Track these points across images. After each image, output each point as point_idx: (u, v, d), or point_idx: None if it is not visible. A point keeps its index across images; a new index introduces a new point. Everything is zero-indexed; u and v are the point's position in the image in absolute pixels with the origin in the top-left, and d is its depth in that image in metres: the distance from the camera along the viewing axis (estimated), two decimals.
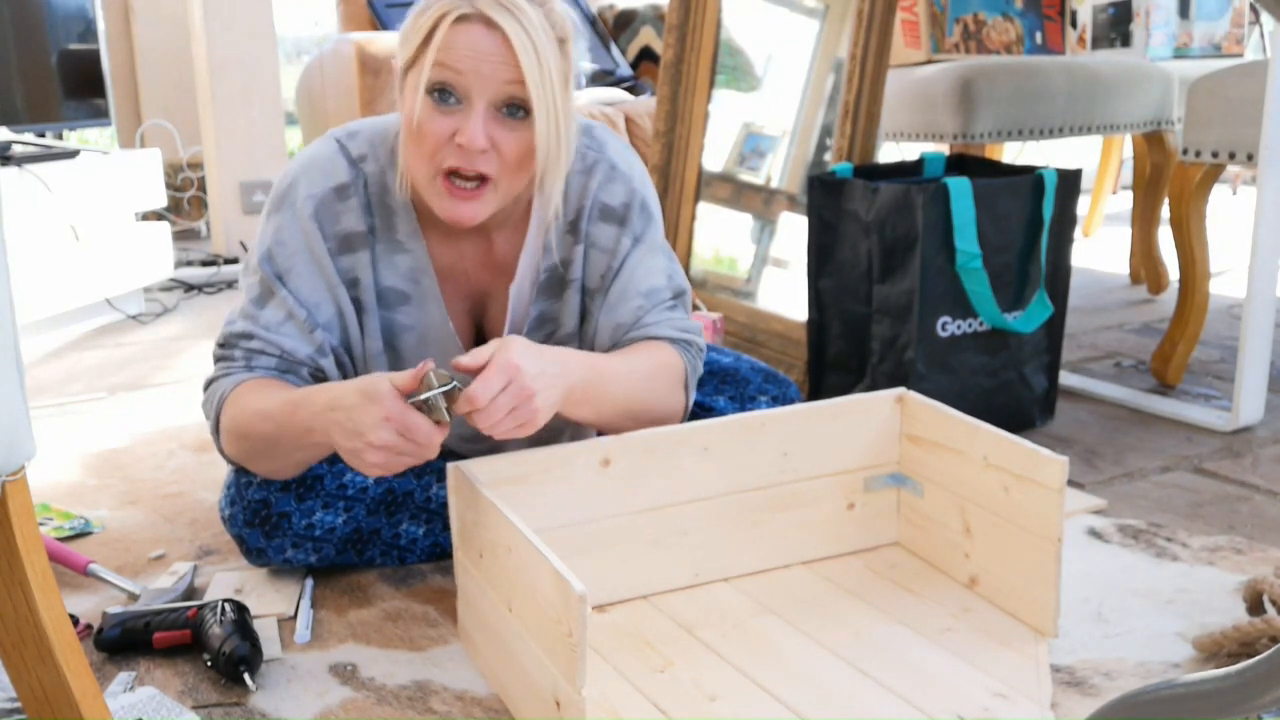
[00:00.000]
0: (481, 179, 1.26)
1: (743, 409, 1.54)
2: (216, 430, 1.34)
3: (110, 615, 1.28)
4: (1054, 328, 1.95)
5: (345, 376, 1.37)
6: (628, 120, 3.45)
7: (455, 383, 1.15)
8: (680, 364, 1.38)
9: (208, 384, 1.36)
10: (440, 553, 1.47)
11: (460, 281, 1.41)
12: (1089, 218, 3.64)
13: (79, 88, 3.08)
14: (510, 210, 1.36)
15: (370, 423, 1.14)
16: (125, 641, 1.26)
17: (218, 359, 1.36)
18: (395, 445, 1.14)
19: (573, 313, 1.42)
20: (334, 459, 1.38)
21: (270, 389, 1.30)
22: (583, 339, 1.44)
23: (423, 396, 1.15)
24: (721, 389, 1.57)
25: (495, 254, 1.40)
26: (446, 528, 1.44)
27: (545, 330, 1.43)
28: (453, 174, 1.25)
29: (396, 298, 1.38)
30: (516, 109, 1.23)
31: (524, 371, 1.16)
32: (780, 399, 1.57)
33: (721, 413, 1.54)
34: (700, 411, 1.55)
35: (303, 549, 1.41)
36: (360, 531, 1.42)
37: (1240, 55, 2.76)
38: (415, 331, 1.39)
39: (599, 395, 1.28)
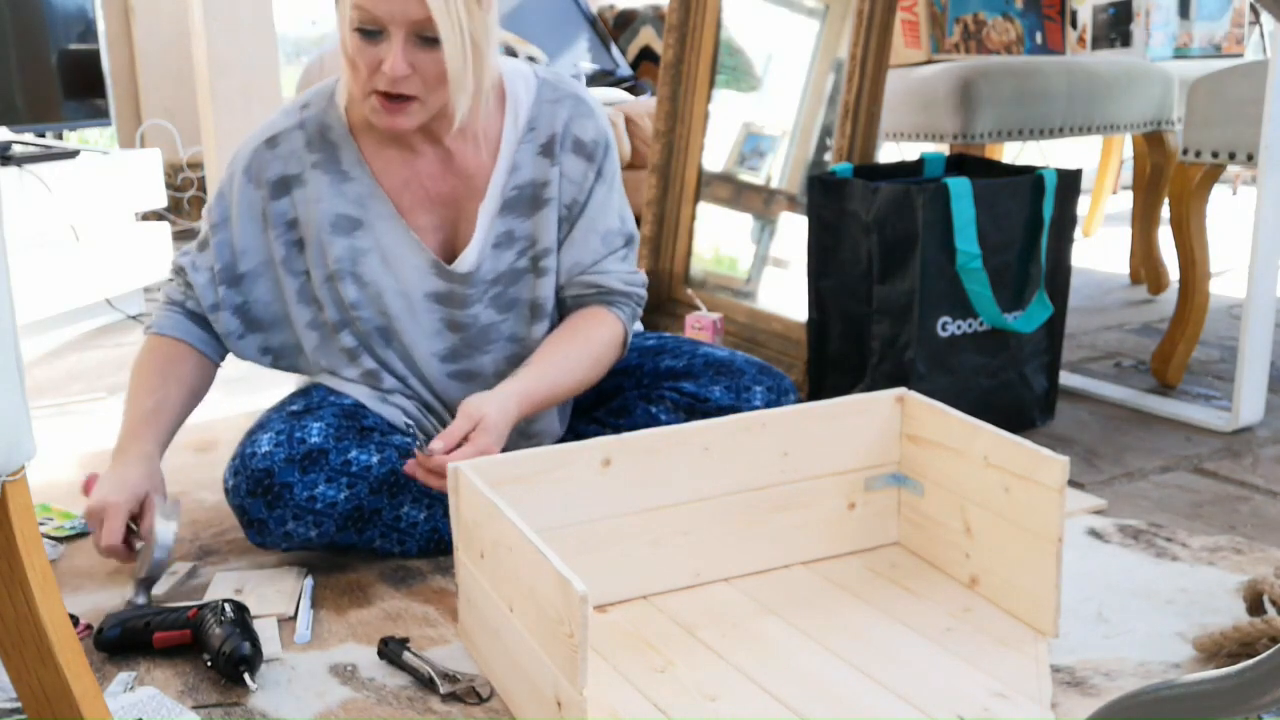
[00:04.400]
0: (408, 98, 1.39)
1: (737, 399, 1.56)
2: None
3: (110, 615, 1.28)
4: (1054, 328, 1.95)
5: (246, 330, 1.53)
6: (628, 120, 3.45)
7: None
8: (620, 331, 1.55)
9: (160, 296, 1.58)
10: (438, 539, 1.48)
11: (420, 196, 1.51)
12: (1089, 218, 3.64)
13: (79, 88, 3.07)
14: (468, 124, 1.47)
15: (97, 507, 1.38)
16: (125, 641, 1.26)
17: (168, 279, 1.57)
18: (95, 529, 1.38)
19: (550, 230, 1.53)
20: (339, 436, 1.44)
21: (157, 361, 1.50)
22: (560, 262, 1.55)
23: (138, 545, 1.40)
24: (717, 379, 1.60)
25: (456, 167, 1.50)
26: (447, 514, 1.45)
27: (516, 247, 1.53)
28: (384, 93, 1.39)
29: (349, 224, 1.49)
30: (427, 38, 1.35)
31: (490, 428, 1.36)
32: (774, 389, 1.59)
33: (717, 402, 1.56)
34: (696, 403, 1.56)
35: (303, 521, 1.41)
36: (362, 509, 1.43)
37: (1240, 55, 2.76)
38: (375, 253, 1.50)
39: (551, 399, 1.49)
